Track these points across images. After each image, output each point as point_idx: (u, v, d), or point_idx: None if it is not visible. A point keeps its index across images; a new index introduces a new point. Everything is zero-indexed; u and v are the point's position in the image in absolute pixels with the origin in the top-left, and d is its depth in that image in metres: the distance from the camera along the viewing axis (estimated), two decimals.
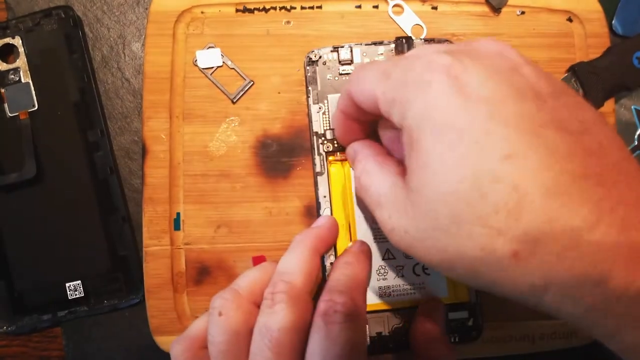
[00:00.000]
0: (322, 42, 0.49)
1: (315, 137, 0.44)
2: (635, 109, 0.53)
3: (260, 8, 0.50)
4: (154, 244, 0.48)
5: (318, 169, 0.44)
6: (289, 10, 0.50)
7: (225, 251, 0.48)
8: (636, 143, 0.53)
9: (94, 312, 0.50)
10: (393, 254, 0.42)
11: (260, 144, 0.49)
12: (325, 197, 0.44)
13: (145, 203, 0.48)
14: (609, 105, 0.50)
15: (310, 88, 0.45)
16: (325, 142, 0.44)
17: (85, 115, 0.51)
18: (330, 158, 0.44)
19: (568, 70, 0.50)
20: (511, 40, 0.51)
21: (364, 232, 0.42)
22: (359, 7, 0.50)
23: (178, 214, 0.49)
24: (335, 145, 0.44)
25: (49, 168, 0.50)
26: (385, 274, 0.42)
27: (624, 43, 0.50)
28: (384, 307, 0.42)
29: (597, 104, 0.49)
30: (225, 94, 0.49)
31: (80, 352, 0.52)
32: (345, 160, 0.43)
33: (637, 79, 0.49)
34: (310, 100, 0.45)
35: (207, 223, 0.49)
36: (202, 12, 0.50)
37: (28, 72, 0.51)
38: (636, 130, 0.53)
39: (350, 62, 0.45)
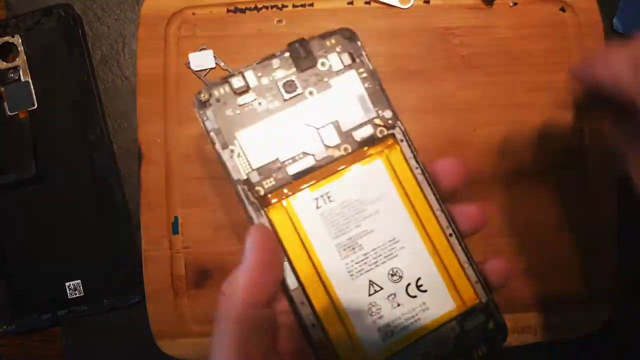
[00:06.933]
0: None
1: (238, 186, 0.36)
2: None
3: (252, 7, 0.49)
4: (153, 248, 0.49)
5: (256, 220, 0.36)
6: (280, 9, 0.50)
7: (224, 253, 0.49)
8: None
9: (93, 311, 0.51)
10: (378, 284, 0.36)
11: None
12: None
13: (142, 208, 0.49)
14: None
15: (212, 134, 0.36)
16: (253, 187, 0.36)
17: (85, 114, 0.51)
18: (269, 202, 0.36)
19: None
20: (505, 32, 0.51)
21: (335, 274, 0.36)
22: (351, 3, 0.50)
23: (176, 217, 0.49)
24: (268, 184, 0.36)
25: (49, 167, 0.50)
26: (378, 311, 0.35)
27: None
28: (395, 349, 0.35)
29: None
30: None
31: (80, 351, 0.52)
32: (289, 194, 0.36)
33: None
34: (218, 147, 0.36)
35: (205, 226, 0.49)
36: (193, 14, 0.49)
37: (28, 70, 0.50)
38: None
39: (246, 88, 0.36)
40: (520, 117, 0.50)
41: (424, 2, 0.50)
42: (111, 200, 0.51)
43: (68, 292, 0.50)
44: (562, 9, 0.51)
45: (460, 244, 0.37)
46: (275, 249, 0.34)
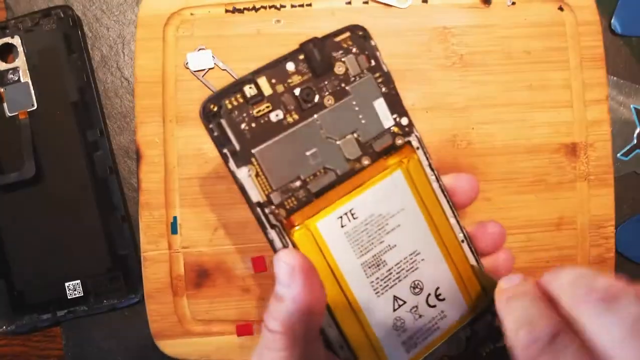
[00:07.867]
0: None
1: (258, 209, 0.32)
2: (634, 107, 0.53)
3: (250, 7, 0.49)
4: (152, 248, 0.49)
5: (278, 244, 0.33)
6: (278, 9, 0.50)
7: (223, 253, 0.49)
8: (635, 142, 0.53)
9: (93, 311, 0.51)
10: (402, 298, 0.35)
11: None
12: None
13: (141, 208, 0.49)
14: (602, 93, 0.51)
15: (225, 151, 0.32)
16: (275, 209, 0.32)
17: (85, 114, 0.51)
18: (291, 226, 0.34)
19: None
20: (503, 31, 0.51)
21: (361, 293, 0.34)
22: (349, 3, 0.50)
23: (175, 217, 0.49)
24: (290, 204, 0.33)
25: (49, 168, 0.50)
26: (402, 325, 0.35)
27: None
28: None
29: None
30: None
31: (80, 351, 0.52)
32: (313, 214, 0.33)
33: None
34: (232, 164, 0.32)
35: (204, 226, 0.49)
36: (191, 14, 0.49)
37: (27, 71, 0.50)
38: (635, 129, 0.53)
39: (261, 97, 0.32)
40: (518, 116, 0.50)
41: (422, 1, 0.50)
42: (111, 200, 0.51)
43: (68, 292, 0.50)
44: (560, 8, 0.51)
45: (470, 249, 0.37)
46: (317, 273, 0.31)
